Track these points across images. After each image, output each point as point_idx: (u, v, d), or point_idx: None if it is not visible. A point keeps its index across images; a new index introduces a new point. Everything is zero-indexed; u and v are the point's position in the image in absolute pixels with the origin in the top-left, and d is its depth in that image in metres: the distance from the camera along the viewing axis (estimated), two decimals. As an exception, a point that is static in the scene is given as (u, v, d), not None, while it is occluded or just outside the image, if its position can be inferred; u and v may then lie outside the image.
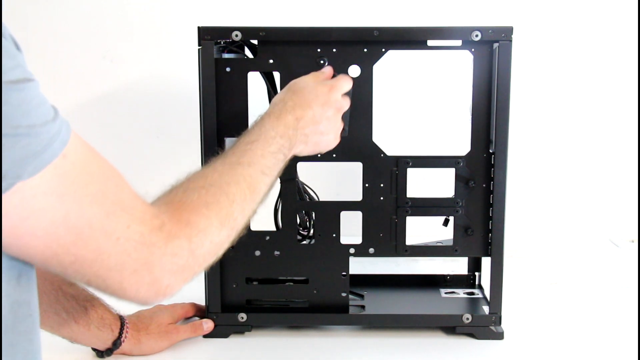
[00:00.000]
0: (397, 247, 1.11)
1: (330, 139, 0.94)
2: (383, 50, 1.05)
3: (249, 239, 1.06)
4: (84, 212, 0.56)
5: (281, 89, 1.06)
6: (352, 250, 1.11)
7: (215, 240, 0.68)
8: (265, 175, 0.80)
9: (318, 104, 0.91)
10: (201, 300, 1.13)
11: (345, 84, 0.97)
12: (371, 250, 1.11)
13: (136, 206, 0.61)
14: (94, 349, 1.00)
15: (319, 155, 1.01)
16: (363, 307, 1.16)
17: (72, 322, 0.92)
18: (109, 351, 0.99)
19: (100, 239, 0.57)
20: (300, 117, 0.88)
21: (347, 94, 1.00)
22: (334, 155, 1.06)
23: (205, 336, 1.11)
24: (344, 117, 0.99)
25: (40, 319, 0.66)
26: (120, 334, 0.98)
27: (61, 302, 0.91)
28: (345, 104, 0.97)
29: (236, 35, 1.04)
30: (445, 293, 1.24)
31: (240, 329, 1.12)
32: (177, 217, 0.64)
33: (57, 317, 0.91)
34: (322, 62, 1.05)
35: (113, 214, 0.58)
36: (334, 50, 1.05)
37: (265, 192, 0.81)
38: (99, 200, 0.57)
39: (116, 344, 0.98)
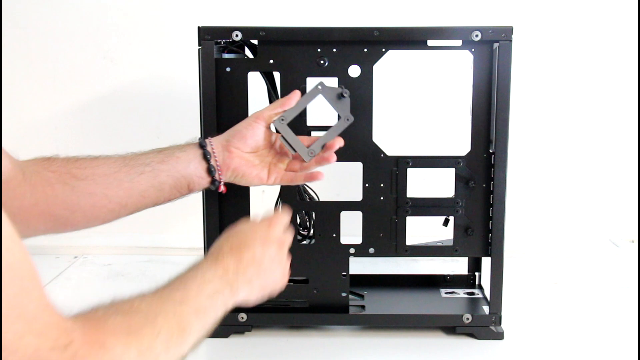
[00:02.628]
0: (397, 247, 1.11)
1: (277, 278, 0.85)
2: (383, 50, 1.05)
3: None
4: None
5: (281, 88, 1.07)
6: (352, 250, 1.11)
7: None
8: (198, 317, 0.70)
9: (257, 243, 0.82)
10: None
11: (283, 217, 0.89)
12: (371, 250, 1.11)
13: (40, 317, 0.52)
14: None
15: None
16: (363, 307, 1.16)
17: (160, 194, 0.92)
18: (213, 183, 0.96)
19: None
20: (239, 259, 0.79)
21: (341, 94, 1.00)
22: (334, 155, 1.06)
23: (205, 336, 1.11)
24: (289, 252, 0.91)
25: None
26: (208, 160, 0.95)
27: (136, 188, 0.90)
28: (289, 238, 0.89)
29: (236, 35, 1.04)
30: (445, 293, 1.24)
31: (240, 329, 1.12)
32: (91, 337, 0.56)
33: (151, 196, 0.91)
34: (322, 62, 1.05)
35: (5, 319, 0.49)
36: (334, 50, 1.05)
37: (197, 335, 0.70)
38: None
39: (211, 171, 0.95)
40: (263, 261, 0.82)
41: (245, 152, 0.98)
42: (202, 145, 0.96)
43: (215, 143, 0.98)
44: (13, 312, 0.50)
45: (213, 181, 0.96)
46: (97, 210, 0.89)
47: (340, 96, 1.01)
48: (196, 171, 0.95)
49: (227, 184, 0.98)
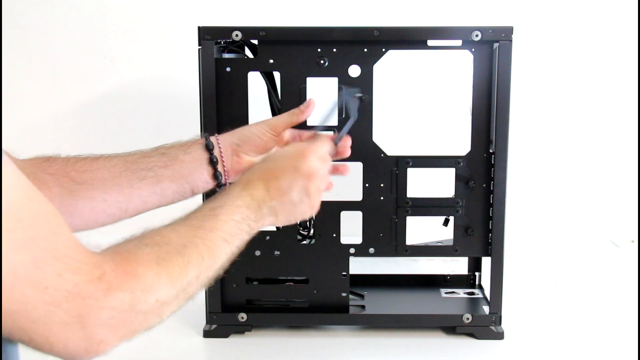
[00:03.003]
0: (397, 247, 1.11)
1: (304, 209, 0.84)
2: (383, 50, 1.05)
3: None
4: (8, 259, 0.51)
5: (281, 88, 1.07)
6: (352, 250, 1.11)
7: (162, 298, 0.62)
8: (226, 243, 0.73)
9: (286, 173, 0.82)
10: (201, 301, 1.12)
11: (320, 147, 0.87)
12: (371, 250, 1.11)
13: (72, 254, 0.56)
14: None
15: None
16: (363, 307, 1.16)
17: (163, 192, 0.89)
18: (219, 186, 0.92)
19: (25, 288, 0.52)
20: (267, 189, 0.80)
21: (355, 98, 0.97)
22: (334, 155, 1.06)
23: (205, 336, 1.11)
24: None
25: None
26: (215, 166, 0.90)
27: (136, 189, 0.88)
28: (322, 168, 0.86)
29: (236, 35, 1.04)
30: (445, 293, 1.24)
31: (240, 329, 1.12)
32: (122, 268, 0.59)
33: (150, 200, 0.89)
34: (322, 62, 1.05)
35: (42, 262, 0.53)
36: (334, 50, 1.05)
37: (224, 260, 0.73)
38: (27, 246, 0.52)
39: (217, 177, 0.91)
40: (290, 193, 0.81)
41: (254, 159, 0.94)
42: (208, 148, 0.90)
43: (224, 145, 0.91)
44: (48, 254, 0.54)
45: (218, 185, 0.92)
46: (95, 215, 0.87)
47: (360, 100, 1.02)
48: (201, 176, 0.90)
49: None
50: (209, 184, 0.92)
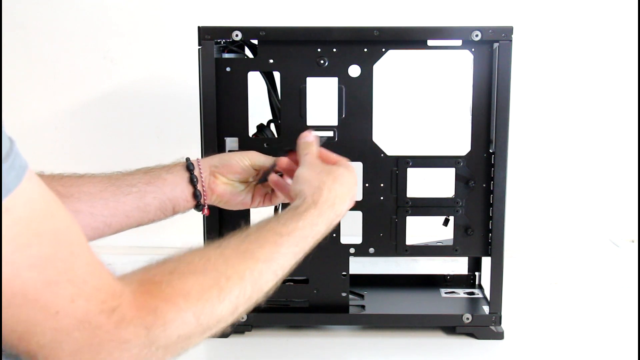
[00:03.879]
0: (397, 247, 1.11)
1: (346, 207, 0.89)
2: (383, 50, 1.05)
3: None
4: (19, 277, 0.48)
5: (281, 88, 1.07)
6: (352, 250, 1.11)
7: (185, 334, 0.58)
8: (276, 276, 0.71)
9: (326, 185, 0.85)
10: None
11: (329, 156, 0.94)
12: (371, 250, 1.11)
13: (89, 279, 0.52)
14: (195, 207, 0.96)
15: None
16: (363, 307, 1.16)
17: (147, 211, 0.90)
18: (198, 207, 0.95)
19: (35, 311, 0.49)
20: (336, 216, 0.85)
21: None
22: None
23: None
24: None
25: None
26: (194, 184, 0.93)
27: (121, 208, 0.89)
28: (342, 167, 0.91)
29: (236, 35, 1.04)
30: (445, 293, 1.24)
31: (240, 329, 1.12)
32: (142, 302, 0.55)
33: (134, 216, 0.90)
34: (322, 62, 1.05)
35: (55, 284, 0.50)
36: (334, 50, 1.05)
37: (268, 291, 0.70)
38: (41, 265, 0.49)
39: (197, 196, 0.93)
40: (335, 201, 0.84)
41: (231, 180, 0.97)
42: (189, 169, 0.94)
43: (203, 166, 0.95)
44: (64, 276, 0.50)
45: (198, 204, 0.95)
46: (81, 228, 0.88)
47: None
48: (182, 194, 0.93)
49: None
50: (190, 202, 0.94)
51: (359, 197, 1.10)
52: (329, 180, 0.85)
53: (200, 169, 0.95)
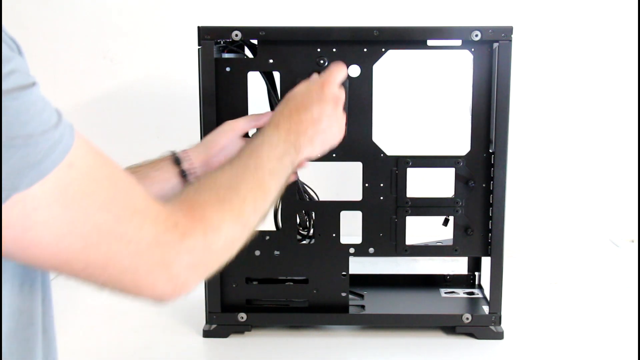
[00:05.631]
0: (397, 247, 1.11)
1: (335, 133, 0.91)
2: (383, 50, 1.05)
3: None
4: (92, 219, 0.55)
5: (281, 89, 1.07)
6: (352, 250, 1.11)
7: (229, 236, 0.67)
8: (272, 177, 0.78)
9: (314, 103, 0.88)
10: (201, 301, 1.13)
11: (337, 74, 0.92)
12: (371, 250, 1.11)
13: (149, 207, 0.60)
14: None
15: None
16: (363, 307, 1.16)
17: None
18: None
19: (111, 244, 0.57)
20: (299, 121, 0.86)
21: (343, 84, 0.97)
22: (334, 155, 1.06)
23: (204, 336, 1.11)
24: (344, 108, 0.96)
25: None
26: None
27: None
28: (342, 94, 0.93)
29: (236, 35, 1.04)
30: (445, 293, 1.24)
31: (240, 329, 1.12)
32: (191, 214, 0.64)
33: None
34: (322, 62, 1.05)
35: (124, 218, 0.57)
36: (334, 50, 1.05)
37: (275, 194, 0.79)
38: (108, 206, 0.56)
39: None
40: (321, 120, 0.88)
41: (225, 155, 0.95)
42: (177, 162, 0.92)
43: (193, 156, 0.94)
44: (128, 210, 0.58)
45: None
46: None
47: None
48: (173, 191, 0.91)
49: None
50: None
51: (359, 197, 1.10)
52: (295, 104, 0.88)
53: (191, 160, 0.93)
